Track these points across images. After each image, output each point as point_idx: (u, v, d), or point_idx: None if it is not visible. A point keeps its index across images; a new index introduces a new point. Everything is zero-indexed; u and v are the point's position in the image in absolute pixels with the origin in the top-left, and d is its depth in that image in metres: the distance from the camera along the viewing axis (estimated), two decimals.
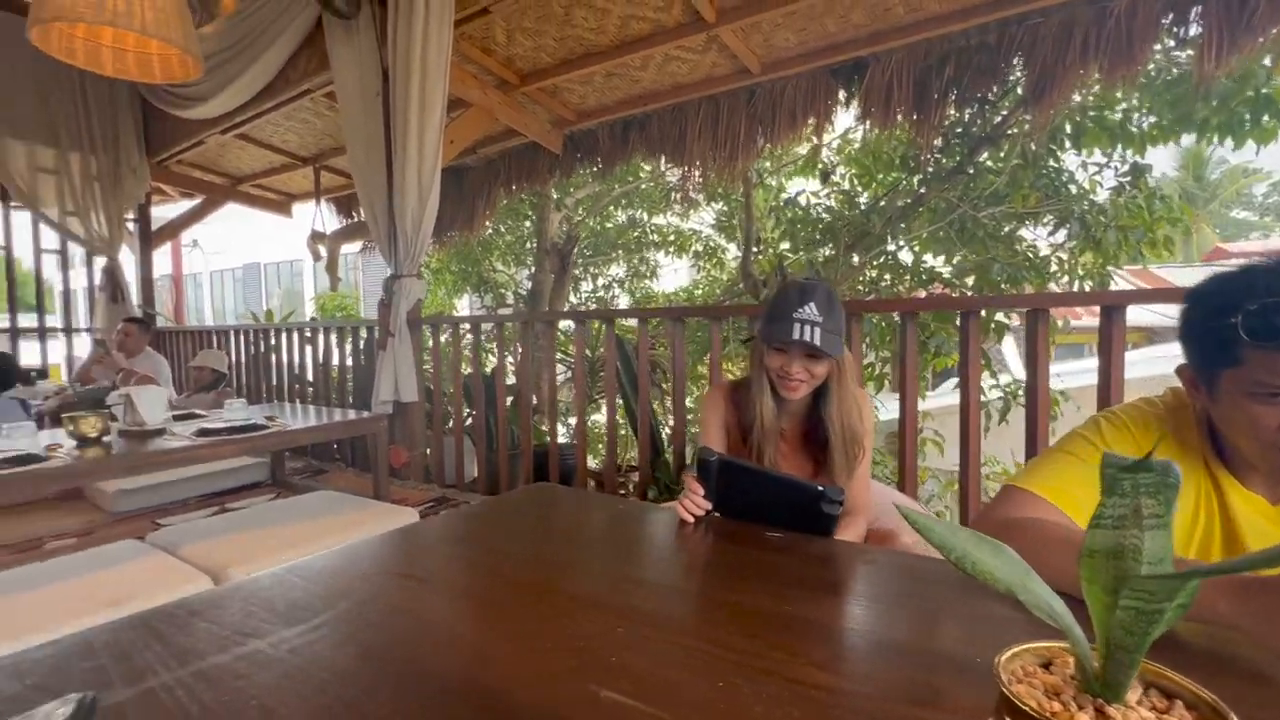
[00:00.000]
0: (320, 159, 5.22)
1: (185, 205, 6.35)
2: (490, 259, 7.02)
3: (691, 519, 1.07)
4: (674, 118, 3.87)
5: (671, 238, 6.06)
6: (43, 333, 5.65)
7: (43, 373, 5.02)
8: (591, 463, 4.42)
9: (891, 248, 3.89)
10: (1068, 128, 3.33)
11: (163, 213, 6.31)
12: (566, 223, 5.88)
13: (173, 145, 4.93)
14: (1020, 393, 3.42)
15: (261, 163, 5.49)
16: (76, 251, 5.37)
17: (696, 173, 3.91)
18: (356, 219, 5.86)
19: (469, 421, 3.75)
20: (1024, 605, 0.41)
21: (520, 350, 3.18)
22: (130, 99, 4.99)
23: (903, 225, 3.81)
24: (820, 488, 0.99)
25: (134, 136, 5.06)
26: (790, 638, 0.68)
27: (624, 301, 6.63)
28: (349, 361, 4.12)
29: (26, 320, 5.62)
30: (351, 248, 6.38)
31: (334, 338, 4.17)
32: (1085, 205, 3.42)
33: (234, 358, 4.91)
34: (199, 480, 3.02)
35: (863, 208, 4.06)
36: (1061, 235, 3.60)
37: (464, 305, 11.45)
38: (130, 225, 5.49)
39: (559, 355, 4.23)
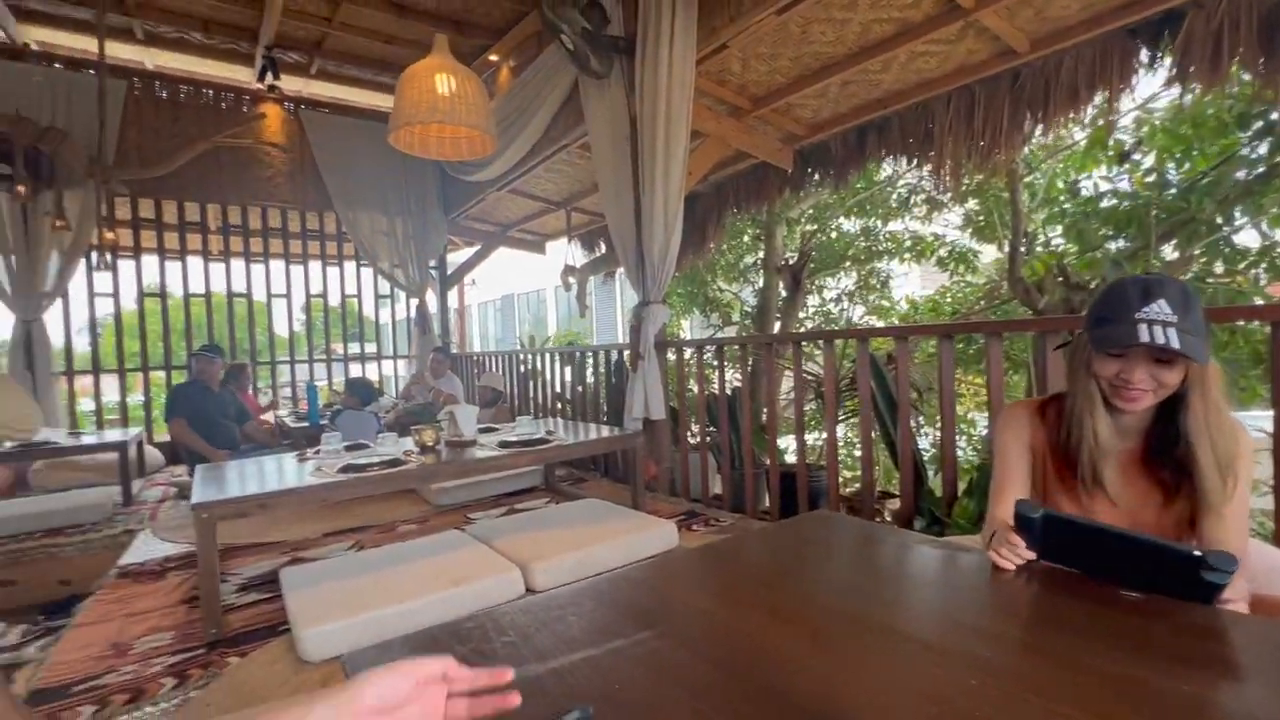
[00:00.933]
0: (571, 201, 5.92)
1: (468, 252, 7.70)
2: (714, 279, 7.22)
3: (1011, 567, 0.97)
4: (917, 116, 3.60)
5: (908, 244, 5.59)
6: (379, 359, 7.32)
7: (380, 390, 6.45)
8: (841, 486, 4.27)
9: (1226, 230, 3.06)
10: None
11: (454, 259, 7.73)
12: (799, 238, 5.79)
13: (462, 204, 6.02)
14: None
15: (524, 210, 6.41)
16: (392, 293, 6.86)
17: (946, 171, 3.57)
18: (599, 253, 6.50)
19: (710, 439, 3.88)
20: None
21: (763, 369, 3.21)
22: (434, 172, 6.24)
23: (1242, 203, 2.98)
24: (1198, 552, 0.81)
25: (436, 201, 6.33)
26: None
27: (857, 314, 6.29)
28: (589, 380, 4.57)
29: (354, 349, 7.26)
30: (595, 277, 7.09)
31: (589, 360, 4.65)
32: None
33: (504, 377, 5.77)
34: (492, 482, 3.59)
35: (1177, 188, 3.27)
36: None
37: (688, 326, 11.90)
38: (432, 271, 6.83)
39: (804, 374, 4.16)
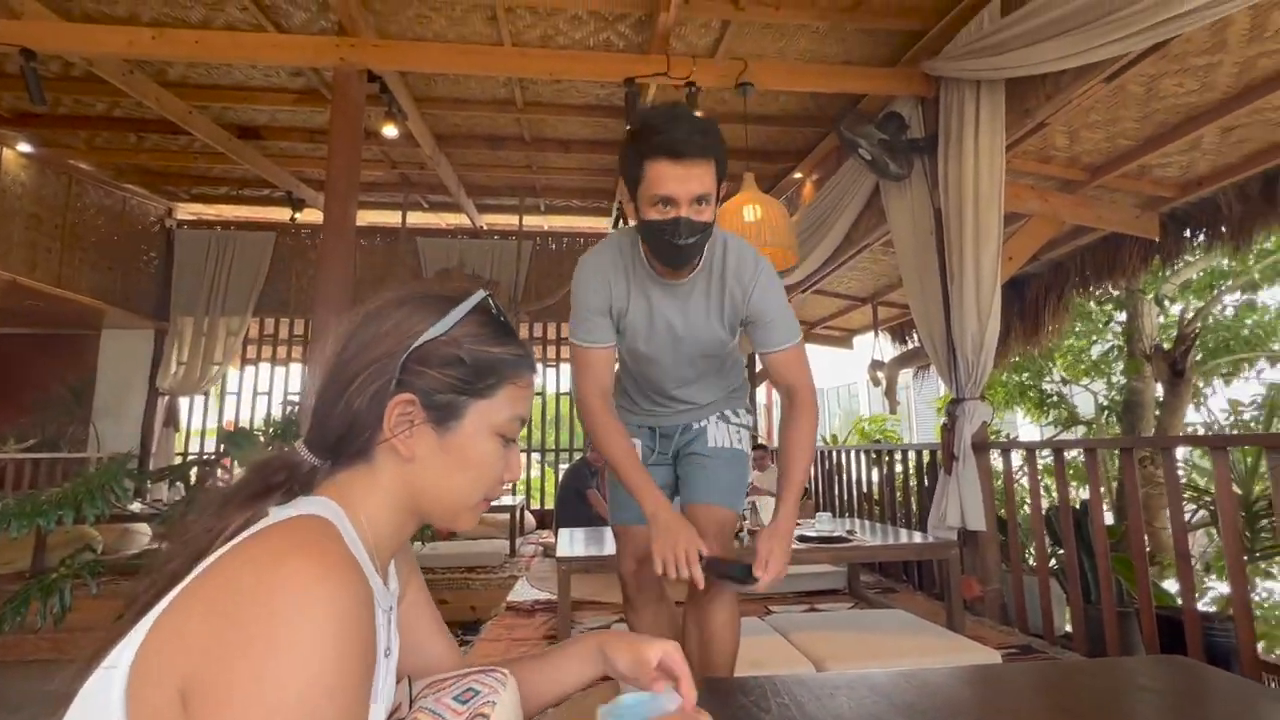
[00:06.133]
0: (876, 296, 5.86)
1: None
2: (1050, 369, 6.12)
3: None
4: None
5: None
6: None
7: None
8: (1263, 649, 3.07)
9: None
10: None
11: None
12: (1178, 317, 4.62)
13: None
14: None
15: (829, 308, 6.55)
16: None
17: None
18: (910, 345, 6.19)
19: (1054, 563, 3.24)
20: None
21: (1122, 482, 2.61)
22: None
23: None
24: None
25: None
26: None
27: None
28: (899, 481, 4.25)
29: None
30: (907, 371, 6.72)
31: (898, 458, 4.40)
32: None
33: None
34: (792, 577, 3.60)
35: None
36: None
37: (1012, 422, 10.09)
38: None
39: (1191, 491, 3.24)
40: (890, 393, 5.85)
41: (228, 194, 6.01)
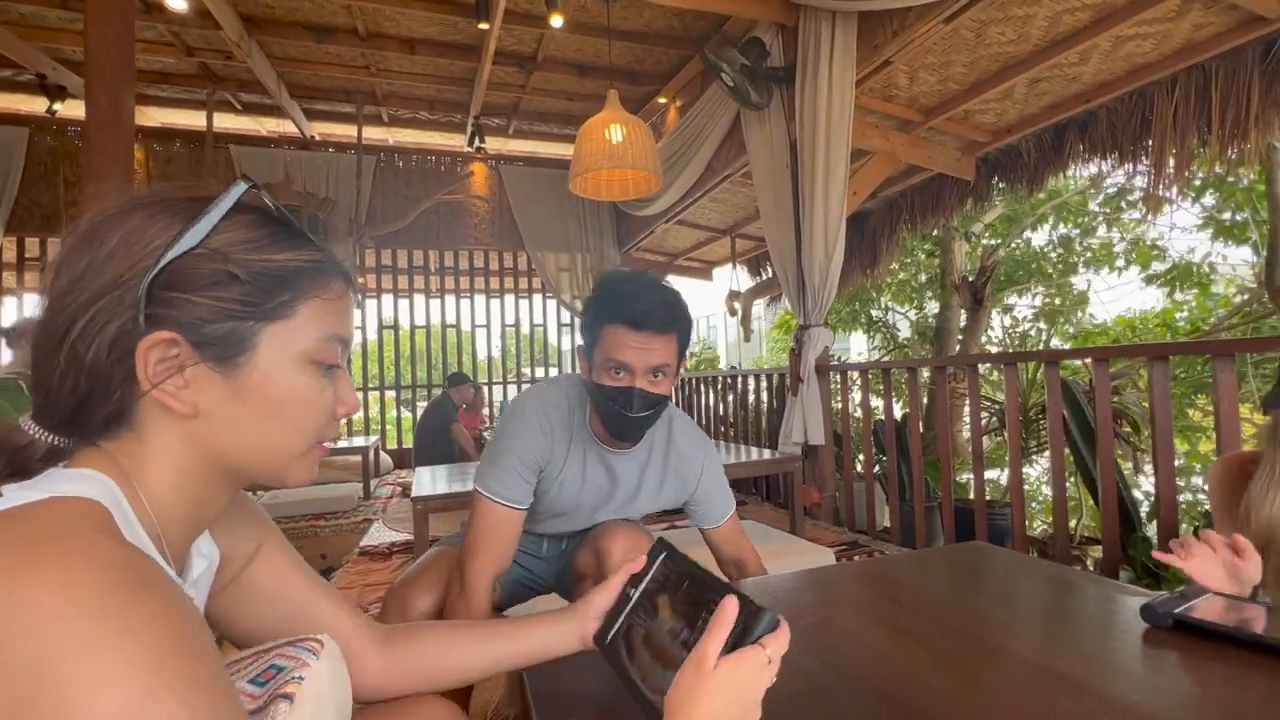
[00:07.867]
0: (735, 229, 6.04)
1: None
2: (880, 298, 6.82)
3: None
4: (1131, 107, 3.15)
5: (1120, 251, 4.77)
6: None
7: None
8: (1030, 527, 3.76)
9: None
10: None
11: None
12: (980, 252, 5.29)
13: (634, 238, 6.44)
14: None
15: (690, 240, 6.66)
16: (573, 322, 7.52)
17: (1168, 166, 3.07)
18: (764, 277, 6.52)
19: (879, 469, 3.69)
20: None
21: (935, 395, 2.99)
22: (609, 210, 6.77)
23: None
24: None
25: (610, 236, 6.85)
26: None
27: (1055, 338, 5.51)
28: (751, 404, 4.57)
29: (540, 371, 8.01)
30: (760, 301, 7.11)
31: (750, 383, 4.69)
32: None
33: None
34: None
35: None
36: None
37: (851, 345, 11.20)
38: None
39: (984, 401, 3.79)
40: (745, 322, 6.17)
41: None
